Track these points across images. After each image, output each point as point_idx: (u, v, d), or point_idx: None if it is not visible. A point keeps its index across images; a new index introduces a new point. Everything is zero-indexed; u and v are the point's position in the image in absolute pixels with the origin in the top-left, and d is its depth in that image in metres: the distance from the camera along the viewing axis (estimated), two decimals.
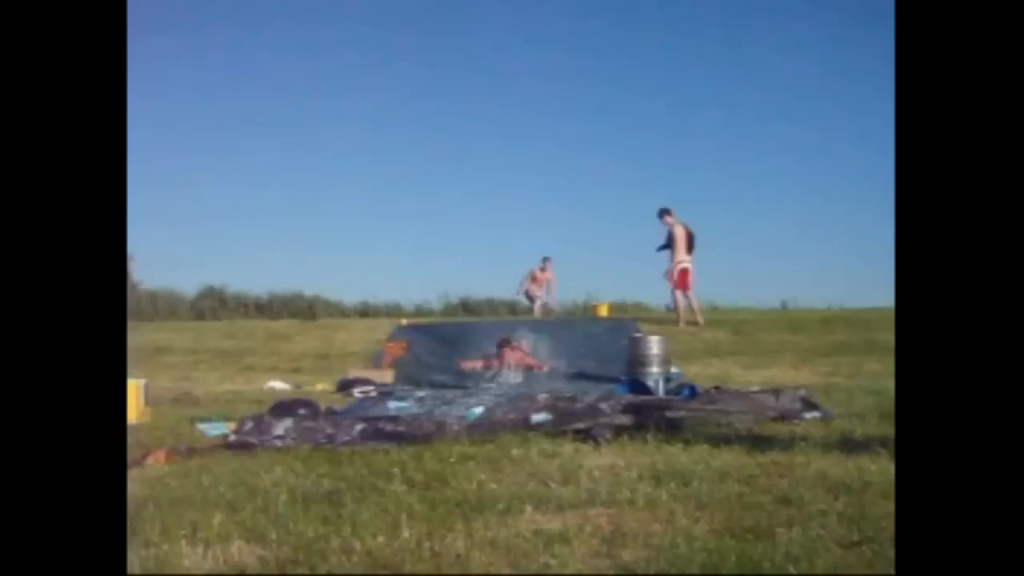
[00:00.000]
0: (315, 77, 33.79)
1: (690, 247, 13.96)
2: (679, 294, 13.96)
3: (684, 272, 13.86)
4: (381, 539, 2.55)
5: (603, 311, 16.13)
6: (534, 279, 17.00)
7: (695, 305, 14.07)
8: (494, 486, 3.39)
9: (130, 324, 9.76)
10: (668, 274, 13.94)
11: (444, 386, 8.66)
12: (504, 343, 9.93)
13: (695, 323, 13.70)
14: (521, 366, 9.64)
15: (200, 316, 18.96)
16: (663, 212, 14.13)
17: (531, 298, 17.01)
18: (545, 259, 17.28)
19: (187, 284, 22.30)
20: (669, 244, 13.98)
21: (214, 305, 20.23)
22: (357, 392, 8.42)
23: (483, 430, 5.01)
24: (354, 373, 9.56)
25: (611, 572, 2.25)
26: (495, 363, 9.68)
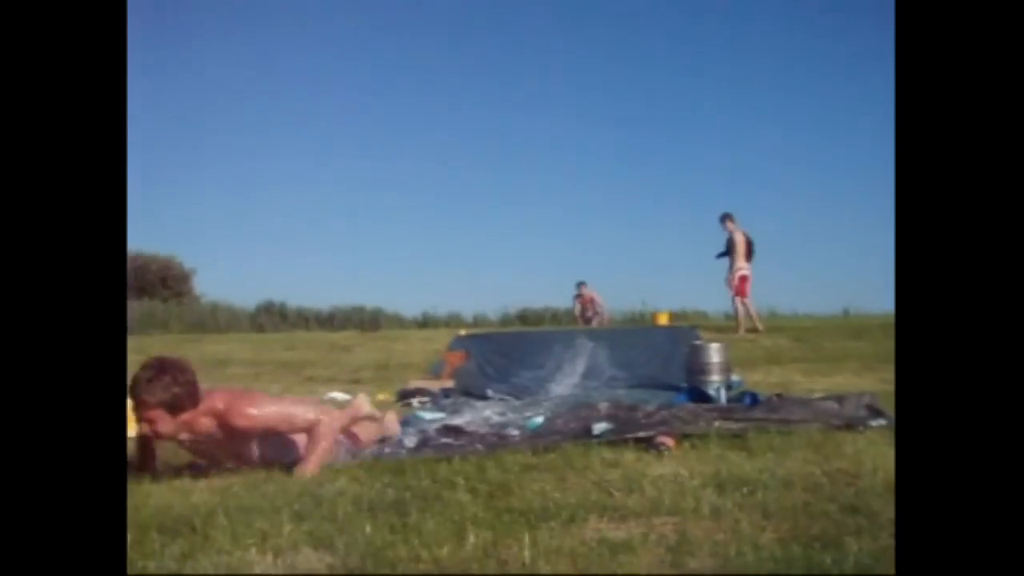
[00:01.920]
0: (376, 87, 34.07)
1: (749, 254, 13.89)
2: (739, 301, 13.89)
3: (743, 279, 13.79)
4: (447, 548, 2.57)
5: (662, 319, 16.08)
6: (582, 304, 17.49)
7: (754, 312, 13.98)
8: (557, 495, 3.39)
9: (191, 336, 10.04)
10: (728, 281, 13.87)
11: (504, 396, 8.67)
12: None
13: (755, 330, 13.61)
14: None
15: (260, 329, 19.20)
16: (724, 218, 14.08)
17: (587, 321, 17.44)
18: (579, 284, 17.70)
19: (248, 298, 22.65)
20: (729, 251, 13.91)
21: (275, 320, 20.48)
22: (416, 402, 8.47)
23: (545, 440, 5.01)
24: (414, 383, 9.61)
25: None
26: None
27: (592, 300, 17.61)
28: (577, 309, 17.72)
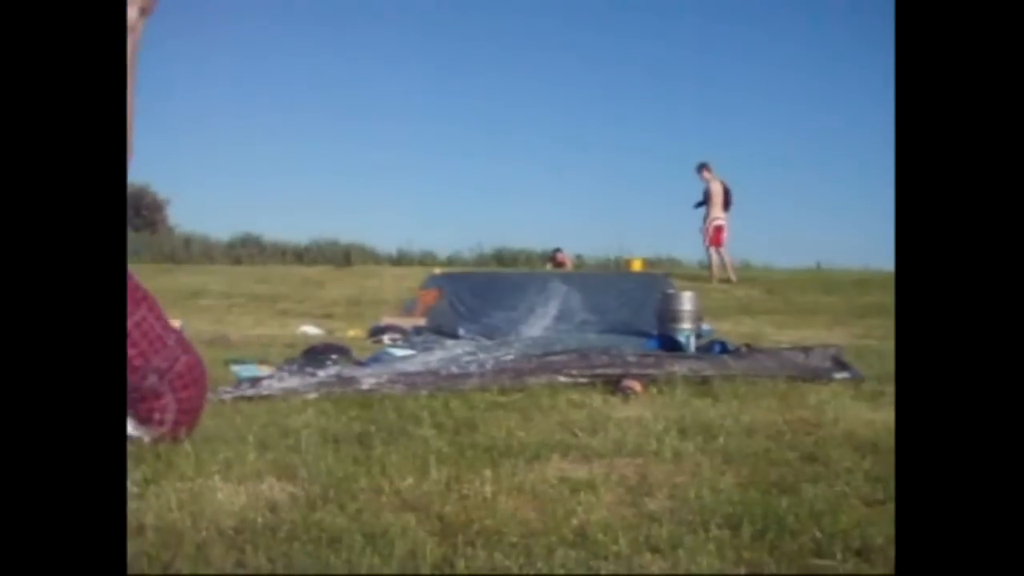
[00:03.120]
0: (354, 39, 33.62)
1: (727, 204, 13.92)
2: (713, 251, 13.94)
3: (719, 228, 13.83)
4: (410, 480, 2.59)
5: (636, 266, 16.13)
6: (555, 267, 17.57)
7: (728, 262, 14.05)
8: (522, 434, 3.42)
9: (164, 267, 10.04)
10: (703, 230, 13.90)
11: (475, 336, 8.70)
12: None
13: (728, 280, 13.68)
14: None
15: (237, 262, 19.11)
16: (701, 167, 14.09)
17: None
18: (555, 250, 17.83)
19: (224, 231, 22.51)
20: (705, 200, 13.93)
21: (251, 252, 20.38)
22: (387, 339, 8.50)
23: (510, 374, 5.05)
24: (387, 320, 9.63)
25: (636, 520, 2.27)
26: None
27: (564, 265, 17.75)
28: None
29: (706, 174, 13.98)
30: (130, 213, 31.48)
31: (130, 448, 2.82)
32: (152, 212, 32.87)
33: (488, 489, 2.51)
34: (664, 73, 33.16)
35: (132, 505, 2.17)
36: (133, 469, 2.58)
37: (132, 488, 2.33)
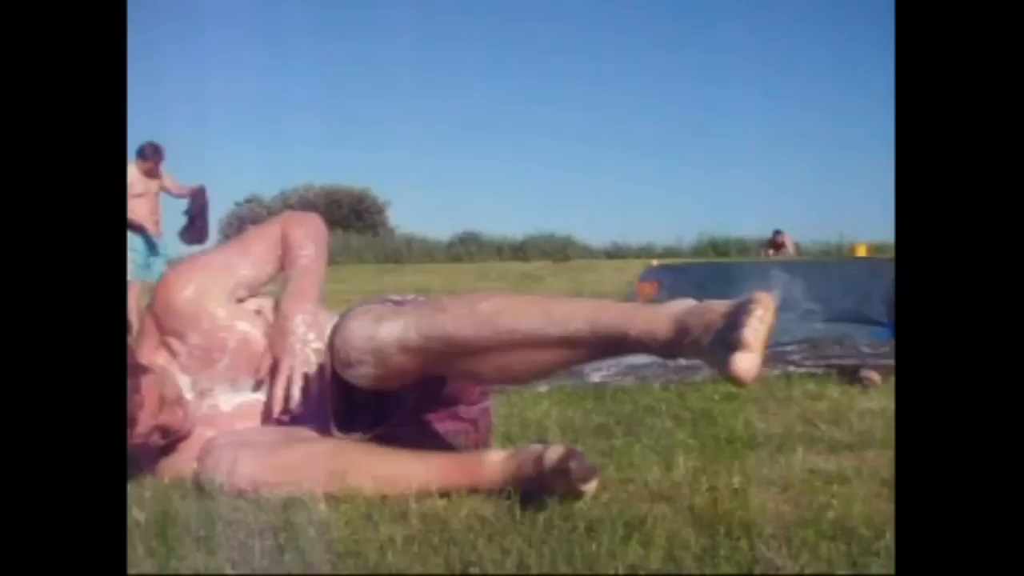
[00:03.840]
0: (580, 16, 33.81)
1: None
2: None
3: None
4: (656, 471, 2.60)
5: (861, 251, 15.53)
6: (774, 251, 17.00)
7: None
8: (762, 425, 3.37)
9: (388, 267, 10.43)
10: None
11: None
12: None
13: None
14: None
15: (456, 259, 19.64)
16: None
17: None
18: (776, 233, 17.19)
19: (443, 230, 23.14)
20: None
21: (470, 249, 20.87)
22: None
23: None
24: None
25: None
26: None
27: (784, 247, 17.19)
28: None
29: None
30: (351, 216, 32.85)
31: None
32: (373, 214, 34.19)
33: (736, 481, 2.49)
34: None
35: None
36: None
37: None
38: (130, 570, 1.67)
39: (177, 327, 2.47)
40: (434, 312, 2.11)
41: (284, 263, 2.67)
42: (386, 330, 2.08)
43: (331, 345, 2.20)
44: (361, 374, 2.15)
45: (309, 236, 2.68)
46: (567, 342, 2.04)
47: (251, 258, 2.65)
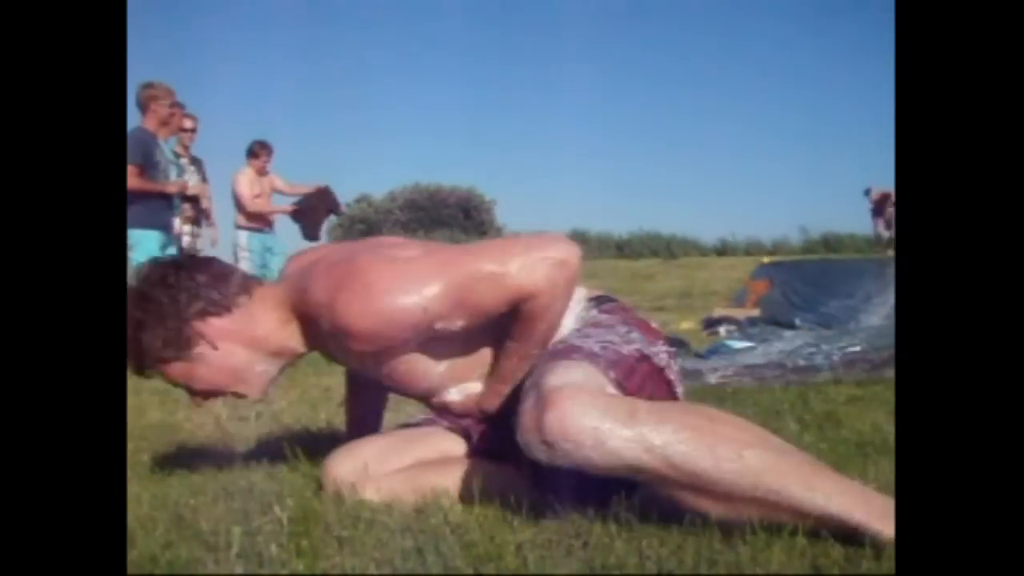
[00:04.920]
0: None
1: None
2: None
3: None
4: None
5: None
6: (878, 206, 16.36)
7: None
8: (890, 428, 3.30)
9: None
10: None
11: (812, 325, 8.49)
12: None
13: None
14: None
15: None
16: None
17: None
18: (867, 191, 16.62)
19: (550, 228, 23.21)
20: None
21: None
22: (723, 330, 8.46)
23: (863, 367, 4.89)
24: (719, 312, 9.60)
25: None
26: None
27: (888, 197, 16.42)
28: (880, 223, 16.57)
29: None
30: (459, 215, 33.12)
31: None
32: (481, 214, 34.42)
33: (873, 486, 2.44)
34: None
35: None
36: None
37: None
38: (279, 569, 1.72)
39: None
40: (688, 436, 1.74)
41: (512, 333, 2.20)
42: (617, 436, 1.71)
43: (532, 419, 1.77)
44: (562, 458, 1.76)
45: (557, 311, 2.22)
46: (812, 516, 1.84)
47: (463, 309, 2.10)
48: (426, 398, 2.38)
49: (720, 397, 4.14)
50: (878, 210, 16.33)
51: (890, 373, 4.62)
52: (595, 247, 21.20)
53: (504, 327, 2.18)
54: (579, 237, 21.71)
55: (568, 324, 2.30)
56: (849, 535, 1.75)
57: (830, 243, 20.40)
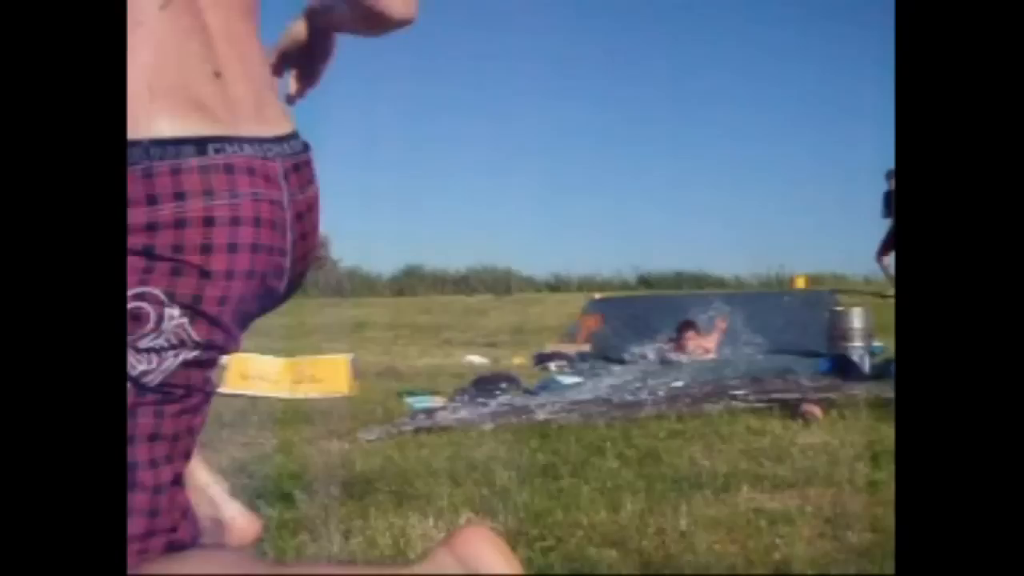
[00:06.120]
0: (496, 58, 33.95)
1: None
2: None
3: None
4: (604, 514, 2.61)
5: (800, 283, 15.74)
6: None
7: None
8: (707, 463, 3.40)
9: (330, 301, 10.27)
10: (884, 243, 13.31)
11: (641, 359, 8.69)
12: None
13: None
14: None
15: (399, 293, 19.53)
16: (891, 174, 13.42)
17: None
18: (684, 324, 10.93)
19: (386, 263, 23.01)
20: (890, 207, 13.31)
21: (413, 282, 20.76)
22: (553, 366, 8.55)
23: (685, 402, 5.02)
24: (551, 347, 9.69)
25: (840, 555, 2.24)
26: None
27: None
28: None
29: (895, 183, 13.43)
30: None
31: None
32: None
33: (683, 523, 2.51)
34: (839, 87, 32.01)
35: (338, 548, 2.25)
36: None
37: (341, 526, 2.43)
38: None
39: None
40: None
41: None
42: None
43: None
44: None
45: None
46: None
47: None
48: None
49: (544, 434, 4.18)
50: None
51: (709, 407, 4.76)
52: (430, 283, 21.16)
53: None
54: (414, 272, 21.67)
55: None
56: None
57: (654, 280, 20.90)
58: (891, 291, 13.17)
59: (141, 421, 1.56)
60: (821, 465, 3.29)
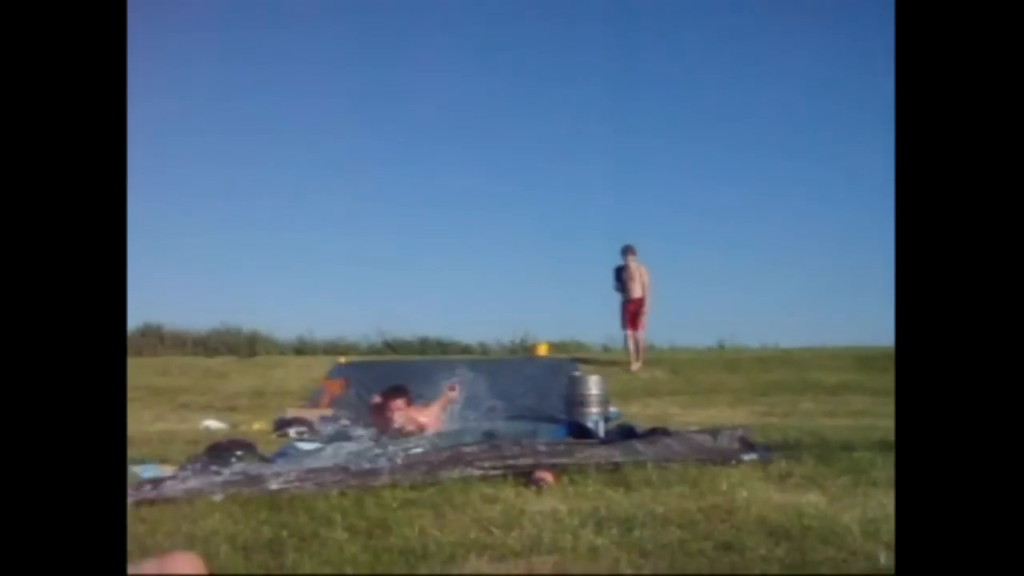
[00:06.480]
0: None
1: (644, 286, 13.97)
2: (631, 334, 13.91)
3: (640, 312, 13.83)
4: None
5: (542, 350, 16.14)
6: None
7: (642, 347, 14.05)
8: (437, 533, 3.37)
9: None
10: (624, 312, 13.86)
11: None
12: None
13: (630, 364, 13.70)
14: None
15: (137, 353, 18.58)
16: (627, 249, 14.06)
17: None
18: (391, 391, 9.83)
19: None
20: (623, 282, 13.91)
21: (151, 342, 19.81)
22: (293, 432, 8.35)
23: (421, 470, 4.99)
24: (292, 412, 9.48)
25: None
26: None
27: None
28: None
29: (631, 257, 14.05)
30: None
31: None
32: None
33: None
34: (570, 153, 33.16)
35: None
36: None
37: None
38: None
39: None
40: None
41: None
42: None
43: None
44: None
45: None
46: None
47: None
48: None
49: (275, 505, 4.04)
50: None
51: (445, 474, 4.75)
52: (170, 343, 20.28)
53: None
54: (152, 331, 20.70)
55: None
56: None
57: (401, 346, 20.88)
58: (629, 361, 13.74)
59: None
60: (548, 532, 3.33)
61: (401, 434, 6.53)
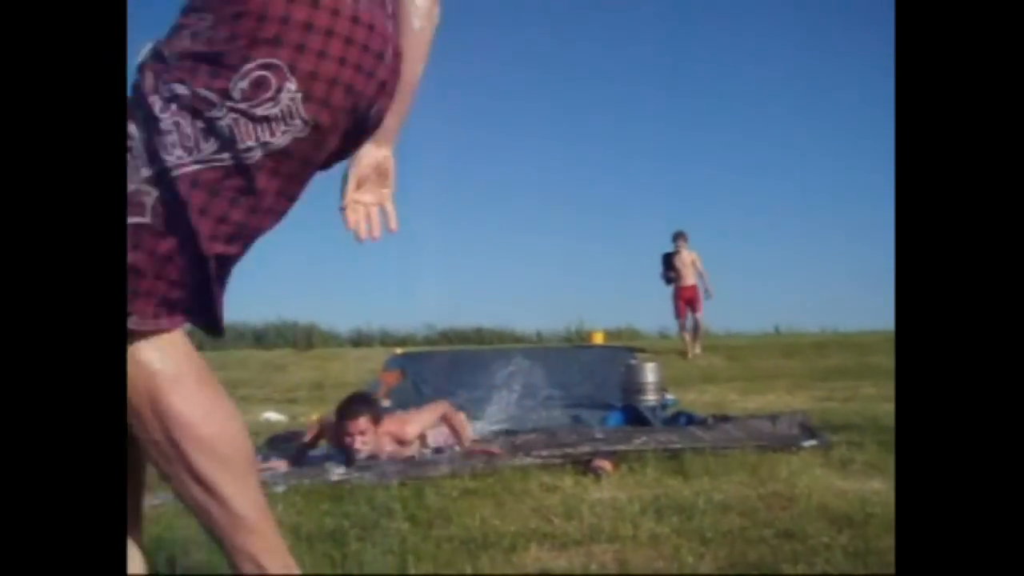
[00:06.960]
0: None
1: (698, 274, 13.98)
2: (687, 320, 13.90)
3: (694, 297, 13.85)
4: None
5: (597, 338, 16.11)
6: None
7: (701, 332, 14.02)
8: (497, 522, 3.39)
9: None
10: (676, 299, 13.87)
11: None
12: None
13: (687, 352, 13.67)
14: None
15: (197, 348, 18.85)
16: (677, 236, 14.09)
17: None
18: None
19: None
20: (673, 270, 13.91)
21: (209, 337, 20.09)
22: None
23: (481, 459, 5.01)
24: None
25: None
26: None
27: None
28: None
29: (682, 243, 14.04)
30: None
31: None
32: None
33: None
34: (622, 146, 33.13)
35: None
36: None
37: None
38: None
39: None
40: None
41: None
42: None
43: None
44: None
45: None
46: None
47: None
48: None
49: (336, 496, 4.09)
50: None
51: (504, 464, 4.77)
52: (228, 336, 20.53)
53: None
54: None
55: None
56: None
57: (457, 336, 21.00)
58: (688, 349, 13.71)
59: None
60: (607, 521, 3.34)
61: (377, 458, 5.15)
